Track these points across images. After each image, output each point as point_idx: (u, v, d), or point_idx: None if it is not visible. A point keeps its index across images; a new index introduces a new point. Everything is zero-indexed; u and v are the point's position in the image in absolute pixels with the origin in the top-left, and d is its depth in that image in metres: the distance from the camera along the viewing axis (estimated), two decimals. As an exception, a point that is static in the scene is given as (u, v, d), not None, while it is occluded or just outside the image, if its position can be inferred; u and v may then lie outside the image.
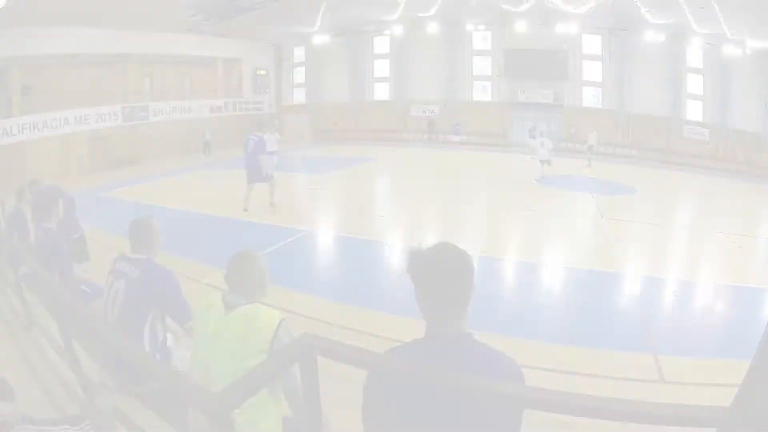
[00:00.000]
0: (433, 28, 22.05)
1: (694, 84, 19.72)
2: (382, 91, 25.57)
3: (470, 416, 1.20)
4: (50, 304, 2.83)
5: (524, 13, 20.16)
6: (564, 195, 12.23)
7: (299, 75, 27.18)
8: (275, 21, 20.37)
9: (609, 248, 7.38)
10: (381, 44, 24.87)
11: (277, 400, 1.74)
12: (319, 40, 23.84)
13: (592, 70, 21.58)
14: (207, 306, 1.86)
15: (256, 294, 1.86)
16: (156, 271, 2.38)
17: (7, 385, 2.13)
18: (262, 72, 25.64)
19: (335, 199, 11.10)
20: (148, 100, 19.69)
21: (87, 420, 1.90)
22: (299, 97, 27.43)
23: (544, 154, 13.36)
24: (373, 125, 25.44)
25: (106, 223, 9.29)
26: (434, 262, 1.25)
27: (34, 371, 2.61)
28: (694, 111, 20.00)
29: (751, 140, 18.36)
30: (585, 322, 4.83)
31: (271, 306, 1.85)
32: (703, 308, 5.53)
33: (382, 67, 25.24)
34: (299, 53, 26.64)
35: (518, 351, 4.13)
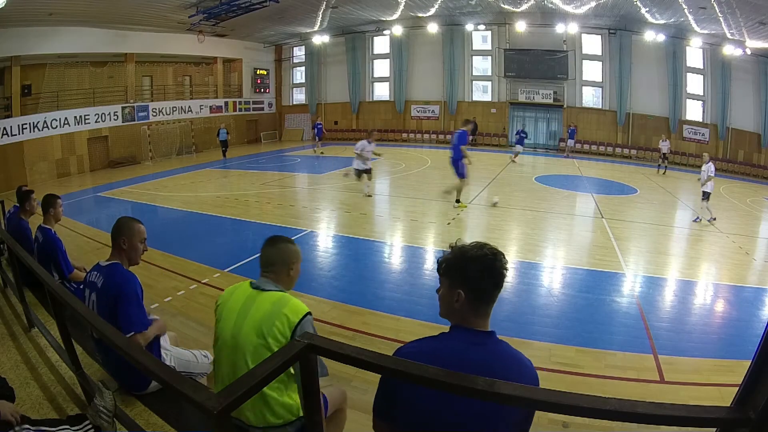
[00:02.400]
0: (432, 27, 22.04)
1: (694, 84, 19.73)
2: (382, 91, 25.57)
3: (481, 411, 1.28)
4: (50, 303, 2.83)
5: (524, 13, 20.17)
6: (564, 195, 12.23)
7: (299, 75, 27.21)
8: (275, 21, 20.36)
9: (609, 248, 7.38)
10: (381, 44, 24.87)
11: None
12: (319, 39, 23.87)
13: (592, 70, 21.58)
14: (234, 288, 1.93)
15: (284, 277, 1.92)
16: (116, 275, 2.29)
17: (7, 385, 2.13)
18: (262, 72, 25.67)
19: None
20: (148, 100, 19.72)
21: (87, 420, 1.90)
22: (299, 97, 27.47)
23: (709, 185, 9.53)
24: (373, 125, 25.46)
25: (105, 223, 9.31)
26: (488, 264, 1.36)
27: (34, 371, 2.61)
28: (694, 111, 20.01)
29: (751, 140, 18.39)
30: (584, 322, 4.83)
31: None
32: (703, 308, 5.53)
33: (382, 67, 25.24)
34: (299, 53, 26.67)
35: (518, 351, 4.15)
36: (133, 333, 2.20)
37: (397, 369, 1.22)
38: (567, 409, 1.07)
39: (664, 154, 16.65)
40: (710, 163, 9.73)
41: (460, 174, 9.70)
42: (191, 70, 22.32)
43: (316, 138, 20.90)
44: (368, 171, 10.87)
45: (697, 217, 9.58)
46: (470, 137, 10.20)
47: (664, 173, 16.39)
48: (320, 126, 21.00)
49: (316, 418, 1.44)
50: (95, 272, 2.37)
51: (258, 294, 1.83)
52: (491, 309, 1.40)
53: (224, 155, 19.09)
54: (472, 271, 1.36)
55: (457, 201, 9.91)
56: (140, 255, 2.43)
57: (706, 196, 9.54)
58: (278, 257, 1.93)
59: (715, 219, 9.38)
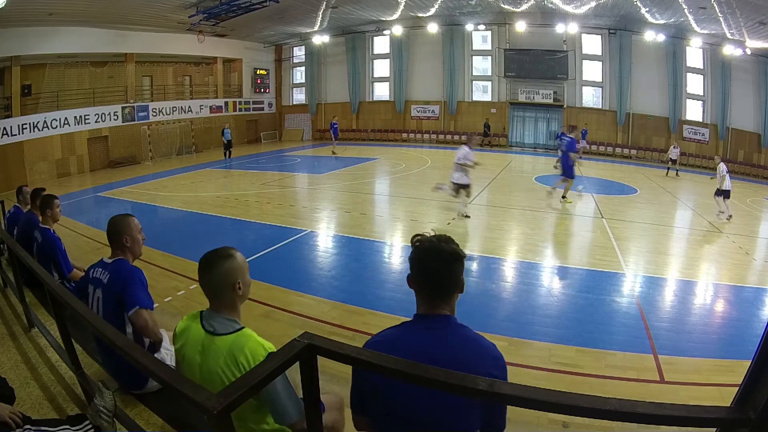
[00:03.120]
0: (432, 27, 22.04)
1: (694, 84, 19.73)
2: (382, 91, 25.57)
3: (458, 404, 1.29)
4: (50, 303, 2.83)
5: (524, 13, 20.17)
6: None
7: (299, 75, 27.21)
8: (275, 21, 20.35)
9: (609, 248, 7.38)
10: (381, 44, 24.87)
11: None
12: (319, 39, 23.88)
13: (592, 70, 21.58)
14: (185, 327, 1.72)
15: (233, 299, 1.69)
16: (123, 271, 2.30)
17: (7, 385, 2.13)
18: (262, 72, 25.67)
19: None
20: (148, 100, 19.71)
21: (87, 420, 1.90)
22: (299, 97, 27.47)
23: (726, 183, 9.75)
24: (373, 125, 25.47)
25: (105, 223, 9.30)
26: (428, 252, 1.41)
27: (34, 371, 2.61)
28: (694, 111, 20.01)
29: (751, 140, 18.39)
30: (584, 322, 4.83)
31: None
32: (703, 308, 5.53)
33: (382, 67, 25.24)
34: (299, 53, 26.67)
35: (518, 351, 4.15)
36: (137, 307, 2.18)
37: (396, 369, 1.22)
38: (567, 409, 1.07)
39: (672, 159, 16.47)
40: (721, 164, 10.17)
41: (569, 175, 10.37)
42: (191, 70, 22.32)
43: (333, 138, 20.33)
44: (467, 186, 8.82)
45: (729, 215, 9.64)
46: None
47: (676, 175, 16.29)
48: (336, 125, 20.53)
49: (317, 423, 1.44)
50: (99, 268, 2.36)
51: (211, 341, 1.62)
52: (447, 297, 1.42)
53: (228, 155, 18.76)
54: (413, 261, 1.44)
55: (564, 197, 10.43)
56: (142, 245, 2.48)
57: (725, 194, 9.77)
58: (218, 283, 1.66)
59: (731, 217, 9.61)
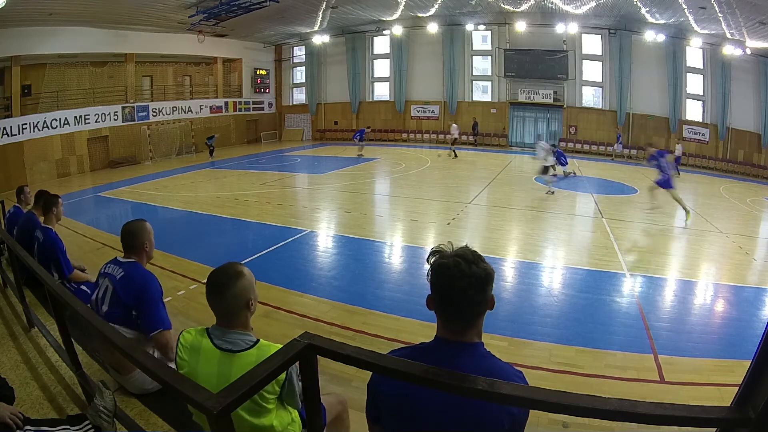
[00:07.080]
0: (432, 27, 22.05)
1: (694, 84, 19.73)
2: (382, 91, 25.56)
3: (471, 415, 1.23)
4: (50, 303, 2.83)
5: (524, 13, 20.17)
6: (564, 195, 12.22)
7: (299, 75, 27.20)
8: (275, 21, 20.36)
9: (609, 248, 7.38)
10: (381, 44, 24.86)
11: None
12: (319, 39, 23.88)
13: (592, 70, 21.57)
14: (192, 346, 1.67)
15: (246, 317, 1.68)
16: (137, 273, 2.39)
17: (7, 385, 2.13)
18: (262, 72, 25.67)
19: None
20: (148, 100, 19.71)
21: (87, 420, 1.90)
22: (299, 97, 27.46)
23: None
24: (373, 125, 25.43)
25: (105, 223, 9.31)
26: (450, 280, 1.20)
27: (34, 371, 2.61)
28: (694, 111, 20.01)
29: (751, 140, 18.39)
30: (584, 322, 4.83)
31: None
32: (702, 308, 5.53)
33: (382, 67, 25.24)
34: (299, 53, 26.67)
35: (518, 351, 4.15)
36: (160, 330, 2.33)
37: (396, 369, 1.22)
38: (567, 409, 1.07)
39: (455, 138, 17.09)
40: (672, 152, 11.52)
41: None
42: (191, 70, 22.32)
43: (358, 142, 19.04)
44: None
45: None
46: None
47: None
48: (363, 132, 19.30)
49: (317, 422, 1.43)
50: (113, 265, 2.45)
51: (230, 358, 1.60)
52: (473, 322, 1.24)
53: (211, 154, 19.60)
54: (432, 285, 1.24)
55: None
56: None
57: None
58: (233, 304, 1.63)
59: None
